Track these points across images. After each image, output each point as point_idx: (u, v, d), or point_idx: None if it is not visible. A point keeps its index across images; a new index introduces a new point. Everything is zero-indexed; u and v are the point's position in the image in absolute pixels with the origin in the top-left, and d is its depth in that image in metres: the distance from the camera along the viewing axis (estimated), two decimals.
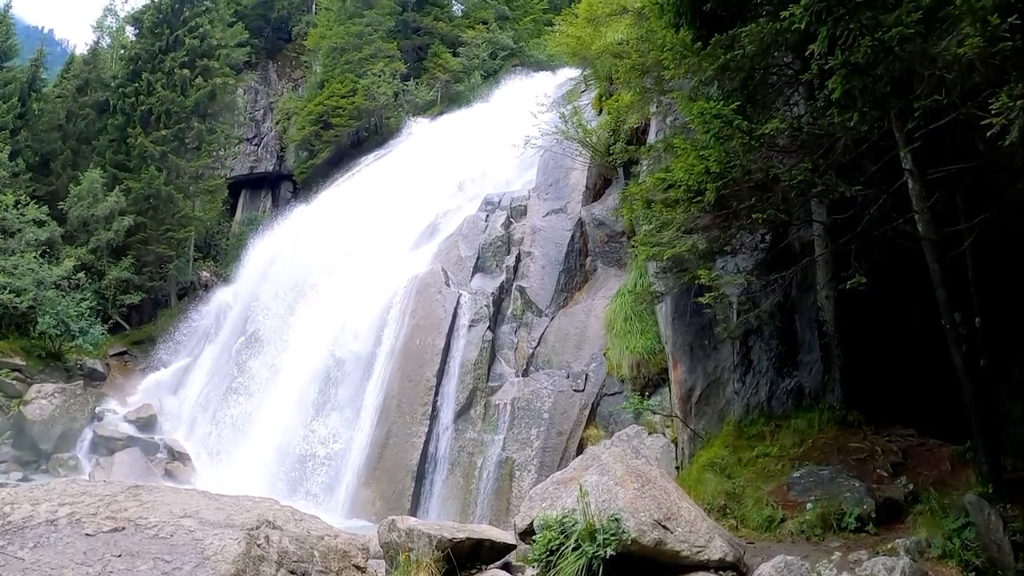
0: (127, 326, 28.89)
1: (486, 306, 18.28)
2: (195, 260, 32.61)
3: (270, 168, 38.05)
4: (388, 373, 18.17)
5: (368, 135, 35.32)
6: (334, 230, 24.16)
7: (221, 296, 26.84)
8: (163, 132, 29.49)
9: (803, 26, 6.67)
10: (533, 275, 18.82)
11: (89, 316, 25.88)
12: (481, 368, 17.13)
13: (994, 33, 5.62)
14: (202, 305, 27.41)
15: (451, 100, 37.12)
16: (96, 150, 30.07)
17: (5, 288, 23.48)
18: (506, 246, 20.37)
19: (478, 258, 20.30)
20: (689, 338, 11.85)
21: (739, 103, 8.15)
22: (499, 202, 22.11)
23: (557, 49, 22.88)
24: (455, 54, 39.71)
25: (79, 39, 72.34)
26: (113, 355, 26.94)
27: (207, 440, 21.59)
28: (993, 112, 5.56)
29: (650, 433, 13.12)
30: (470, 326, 17.98)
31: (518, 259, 19.67)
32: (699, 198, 8.34)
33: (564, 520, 6.49)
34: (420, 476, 16.38)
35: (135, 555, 5.37)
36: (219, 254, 34.52)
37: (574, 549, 6.18)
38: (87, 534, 5.53)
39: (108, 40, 40.17)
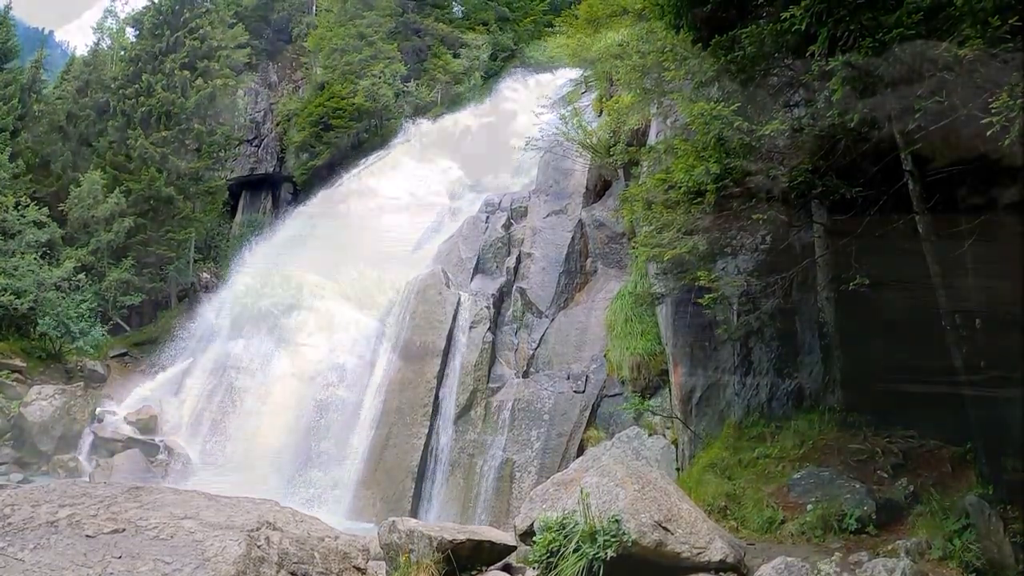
0: (127, 327, 28.83)
1: (486, 307, 18.26)
2: (195, 261, 32.51)
3: (270, 170, 38.00)
4: (388, 378, 18.09)
5: (368, 136, 35.32)
6: (329, 237, 23.81)
7: (208, 313, 25.65)
8: (163, 133, 29.46)
9: (803, 27, 6.68)
10: (533, 276, 18.80)
11: (89, 317, 25.82)
12: (481, 369, 17.12)
13: (995, 34, 5.62)
14: (190, 323, 26.07)
15: (452, 101, 37.14)
16: (96, 151, 30.02)
17: (5, 290, 23.45)
18: (506, 247, 20.35)
19: (478, 259, 20.29)
20: (689, 339, 11.85)
21: (739, 104, 8.15)
22: (499, 203, 22.08)
23: (558, 51, 22.91)
24: (456, 55, 39.72)
25: (79, 41, 72.01)
26: (113, 356, 26.85)
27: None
28: (993, 112, 5.56)
29: (650, 435, 13.12)
30: (470, 327, 17.96)
31: (518, 260, 19.64)
32: (699, 199, 8.35)
33: (564, 521, 6.49)
34: (420, 477, 16.37)
35: (135, 556, 5.36)
36: (219, 255, 34.43)
37: (574, 551, 6.18)
38: (87, 535, 5.52)
39: (108, 42, 40.24)
